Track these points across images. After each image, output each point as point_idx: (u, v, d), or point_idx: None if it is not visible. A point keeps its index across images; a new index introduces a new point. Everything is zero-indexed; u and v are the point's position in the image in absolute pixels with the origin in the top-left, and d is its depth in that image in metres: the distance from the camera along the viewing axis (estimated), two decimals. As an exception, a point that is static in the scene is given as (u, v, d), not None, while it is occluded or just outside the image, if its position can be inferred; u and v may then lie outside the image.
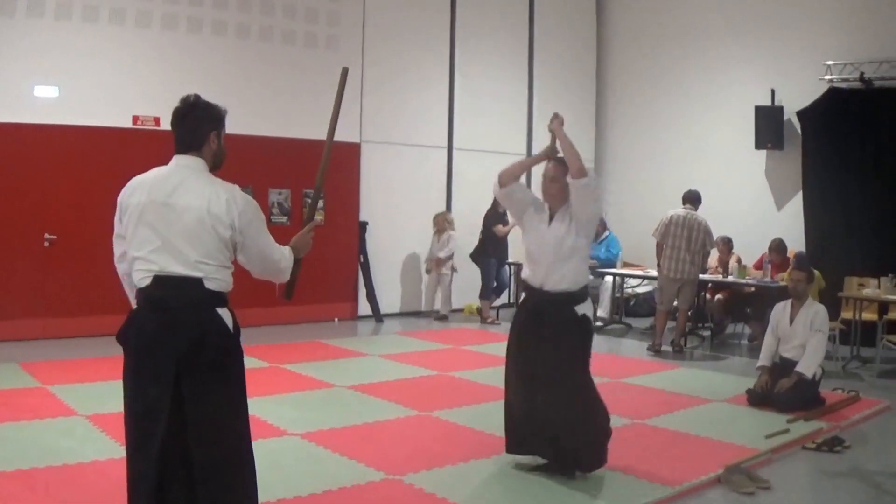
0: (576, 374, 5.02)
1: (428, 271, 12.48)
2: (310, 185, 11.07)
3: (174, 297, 3.33)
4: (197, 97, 3.55)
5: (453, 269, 12.30)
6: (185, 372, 3.31)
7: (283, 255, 3.62)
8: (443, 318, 12.24)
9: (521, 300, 5.54)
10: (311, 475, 5.08)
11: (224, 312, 3.42)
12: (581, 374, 5.07)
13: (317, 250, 12.84)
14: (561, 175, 4.98)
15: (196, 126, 3.49)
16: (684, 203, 10.08)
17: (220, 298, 3.42)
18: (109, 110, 9.77)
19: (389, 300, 12.29)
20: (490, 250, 12.04)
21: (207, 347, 3.34)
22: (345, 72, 4.10)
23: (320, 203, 11.27)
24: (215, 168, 3.57)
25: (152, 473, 3.34)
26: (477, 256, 12.13)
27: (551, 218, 5.06)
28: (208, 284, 3.35)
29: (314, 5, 11.49)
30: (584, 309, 5.07)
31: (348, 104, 11.71)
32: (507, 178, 5.13)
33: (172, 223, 3.34)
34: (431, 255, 12.33)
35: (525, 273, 5.27)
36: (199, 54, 10.48)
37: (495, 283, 12.33)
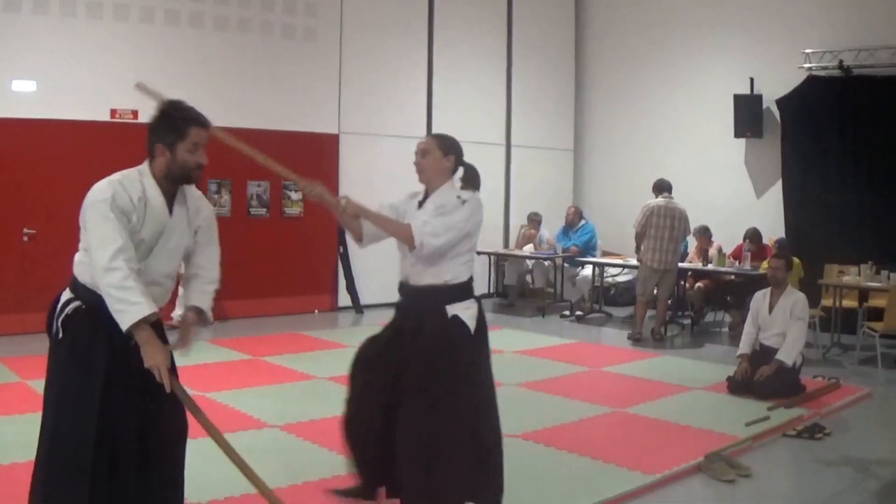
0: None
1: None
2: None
3: None
4: (165, 105, 3.43)
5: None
6: None
7: (114, 269, 3.26)
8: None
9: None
10: (291, 467, 5.07)
11: (64, 293, 3.67)
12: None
13: (296, 242, 12.73)
14: (434, 147, 4.18)
15: (148, 135, 3.41)
16: (660, 191, 10.09)
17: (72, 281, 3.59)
18: (87, 104, 9.67)
19: (369, 291, 12.24)
20: None
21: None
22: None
23: (298, 196, 11.22)
24: (184, 181, 3.46)
25: None
26: None
27: (424, 199, 4.26)
28: None
29: (292, -4, 11.44)
30: (457, 310, 4.11)
31: (327, 94, 11.83)
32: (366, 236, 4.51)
33: None
34: None
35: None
36: (176, 47, 10.41)
37: None
